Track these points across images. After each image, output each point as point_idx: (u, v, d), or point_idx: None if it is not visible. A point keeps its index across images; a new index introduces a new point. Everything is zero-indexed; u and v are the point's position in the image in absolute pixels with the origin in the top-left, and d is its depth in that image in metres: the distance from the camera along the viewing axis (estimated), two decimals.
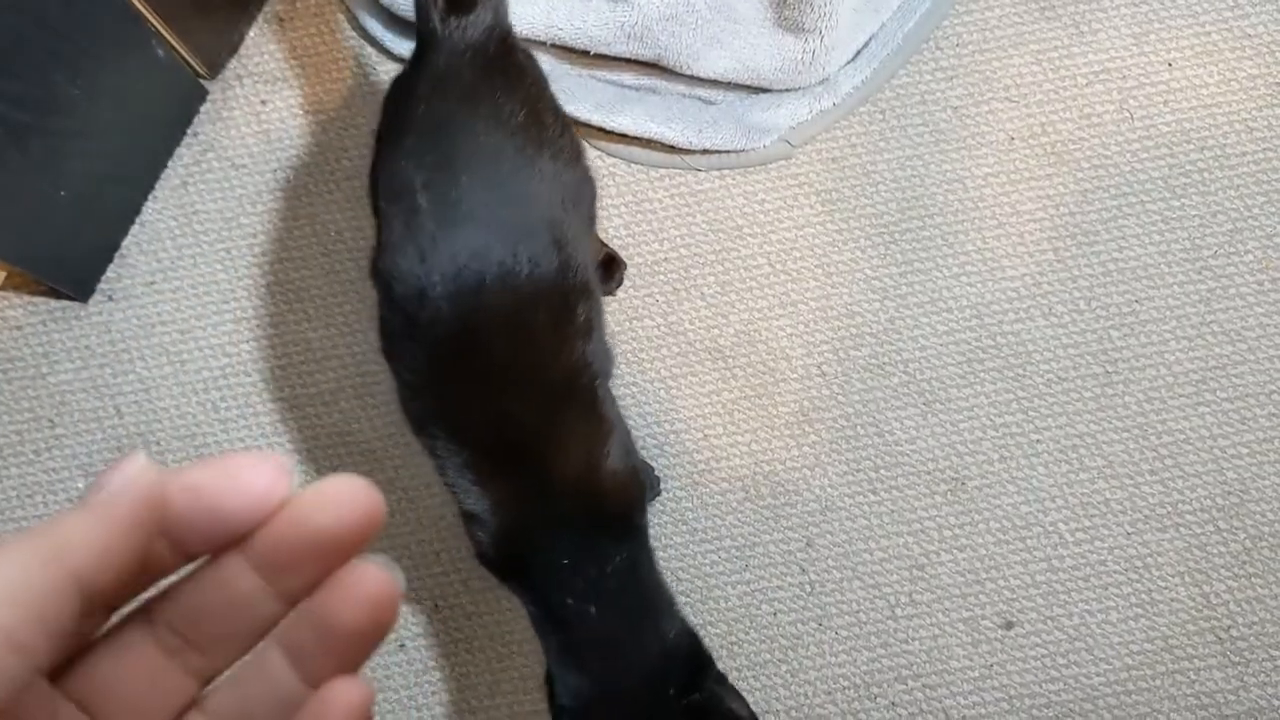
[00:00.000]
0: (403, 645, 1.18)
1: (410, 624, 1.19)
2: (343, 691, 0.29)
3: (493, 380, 0.84)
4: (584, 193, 0.96)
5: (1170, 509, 1.19)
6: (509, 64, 0.90)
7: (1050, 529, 1.19)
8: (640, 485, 0.94)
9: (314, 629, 0.29)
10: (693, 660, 0.91)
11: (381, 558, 0.30)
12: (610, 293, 1.21)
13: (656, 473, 1.18)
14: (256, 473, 0.28)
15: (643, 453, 1.19)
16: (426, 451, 0.88)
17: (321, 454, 1.21)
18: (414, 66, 0.89)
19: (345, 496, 0.29)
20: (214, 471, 0.29)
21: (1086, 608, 1.18)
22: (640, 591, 0.91)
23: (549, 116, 0.91)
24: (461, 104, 0.85)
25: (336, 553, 0.29)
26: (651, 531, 1.18)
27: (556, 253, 0.85)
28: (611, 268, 1.19)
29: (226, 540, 0.29)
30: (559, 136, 0.91)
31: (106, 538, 0.27)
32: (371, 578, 0.29)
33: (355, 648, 0.29)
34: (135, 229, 1.24)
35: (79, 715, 0.29)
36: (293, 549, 0.29)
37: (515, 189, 0.85)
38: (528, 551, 0.88)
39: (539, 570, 0.88)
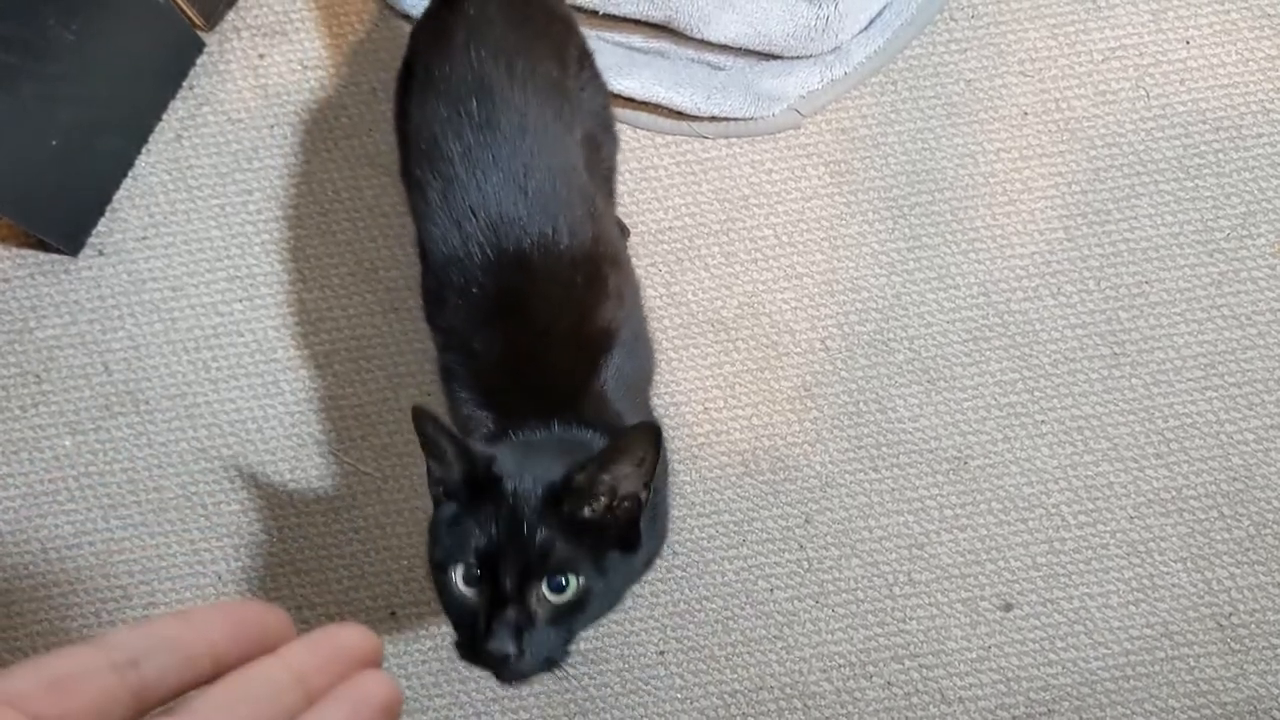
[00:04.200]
0: (393, 612, 1.16)
1: (401, 591, 1.17)
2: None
3: (524, 351, 0.83)
4: (609, 148, 0.96)
5: (1174, 494, 1.17)
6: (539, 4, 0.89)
7: (1052, 511, 1.17)
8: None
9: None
10: None
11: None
12: None
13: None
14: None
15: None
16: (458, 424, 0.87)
17: (315, 418, 1.18)
18: (446, 3, 0.88)
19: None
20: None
21: (1087, 591, 1.16)
22: None
23: (574, 65, 0.89)
24: (497, 58, 0.84)
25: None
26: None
27: (591, 224, 0.84)
28: None
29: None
30: (588, 84, 0.90)
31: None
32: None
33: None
34: (127, 182, 1.21)
35: None
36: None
37: (552, 159, 0.84)
38: None
39: None
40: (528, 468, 0.73)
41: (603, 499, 0.73)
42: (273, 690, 0.31)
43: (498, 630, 0.69)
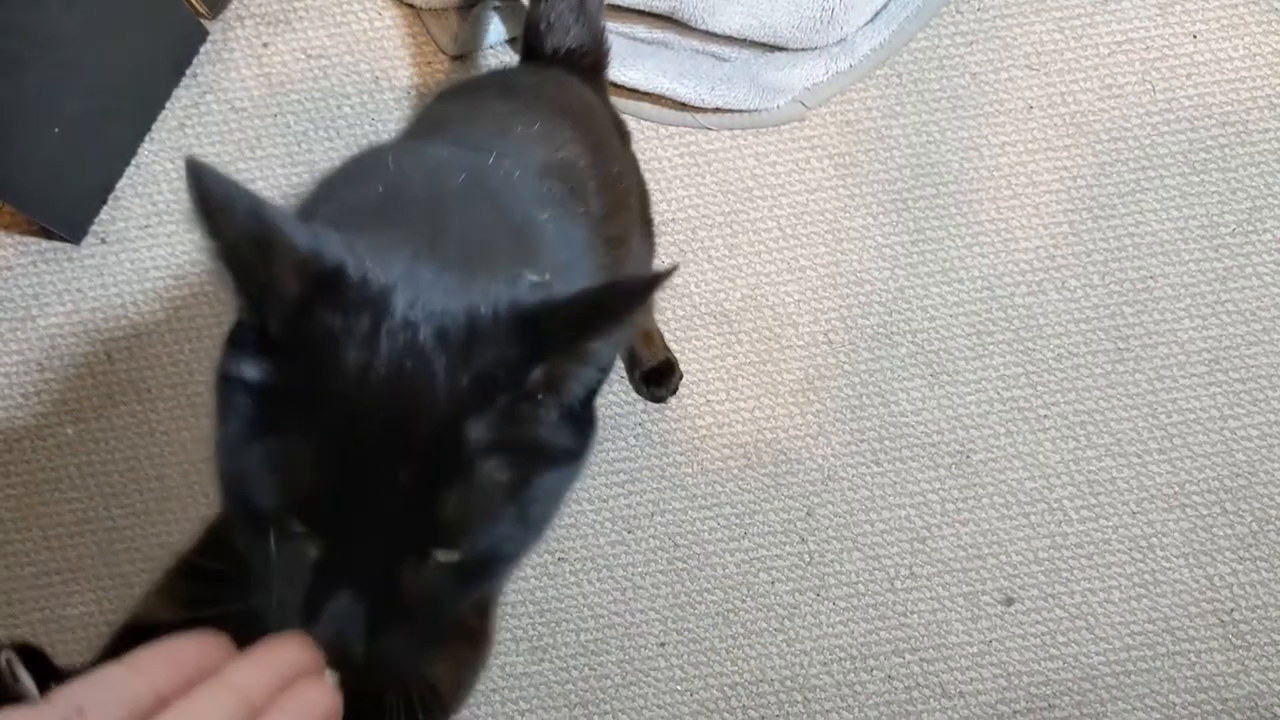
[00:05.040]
0: None
1: None
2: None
3: None
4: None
5: (1177, 489, 1.17)
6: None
7: (1055, 505, 1.17)
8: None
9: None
10: None
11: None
12: None
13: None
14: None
15: (642, 416, 1.17)
16: None
17: None
18: None
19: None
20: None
21: (1089, 586, 1.16)
22: None
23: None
24: None
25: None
26: (651, 497, 1.16)
27: None
28: None
29: None
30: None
31: None
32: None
33: None
34: (130, 171, 1.20)
35: None
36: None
37: None
38: None
39: None
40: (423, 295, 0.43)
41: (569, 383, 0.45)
42: (216, 712, 0.34)
43: (334, 609, 0.42)
